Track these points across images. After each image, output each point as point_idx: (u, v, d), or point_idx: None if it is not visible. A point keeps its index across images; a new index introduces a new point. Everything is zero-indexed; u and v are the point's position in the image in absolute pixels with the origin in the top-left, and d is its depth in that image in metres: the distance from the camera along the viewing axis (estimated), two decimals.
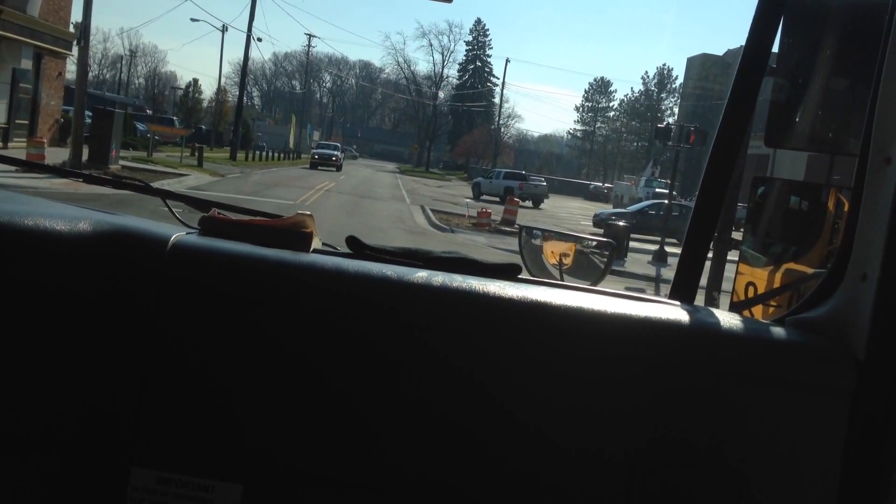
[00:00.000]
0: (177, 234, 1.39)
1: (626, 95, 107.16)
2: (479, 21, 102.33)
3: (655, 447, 1.32)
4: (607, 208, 48.04)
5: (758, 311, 1.67)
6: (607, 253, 1.72)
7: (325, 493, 1.33)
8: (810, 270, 1.63)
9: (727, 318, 1.42)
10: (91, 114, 24.33)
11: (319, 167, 51.53)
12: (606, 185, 74.67)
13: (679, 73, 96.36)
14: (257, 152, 50.72)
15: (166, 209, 1.63)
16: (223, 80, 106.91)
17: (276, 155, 56.28)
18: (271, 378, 1.32)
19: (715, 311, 1.49)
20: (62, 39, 27.69)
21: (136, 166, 25.24)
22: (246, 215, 1.62)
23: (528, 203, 41.67)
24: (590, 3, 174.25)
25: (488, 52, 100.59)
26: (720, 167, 1.68)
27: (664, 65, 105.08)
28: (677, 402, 1.32)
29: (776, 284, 1.66)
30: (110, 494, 1.29)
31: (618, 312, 1.36)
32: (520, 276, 1.55)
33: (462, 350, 1.33)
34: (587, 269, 1.70)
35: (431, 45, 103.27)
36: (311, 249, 1.49)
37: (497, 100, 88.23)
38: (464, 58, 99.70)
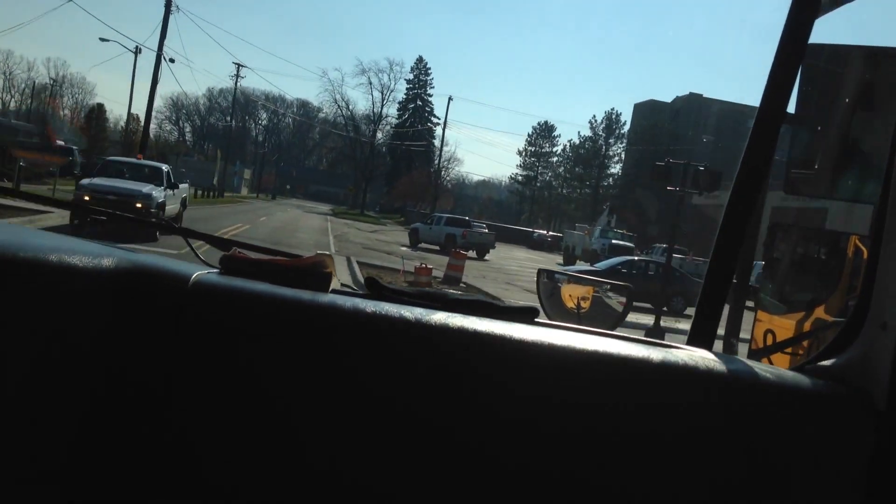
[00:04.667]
0: (198, 272, 1.46)
1: (569, 141, 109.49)
2: (420, 59, 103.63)
3: (673, 494, 1.38)
4: (560, 261, 47.58)
5: (777, 358, 1.75)
6: (624, 297, 1.80)
7: None
8: (830, 318, 1.72)
9: (746, 366, 1.49)
10: None
11: (97, 221, 16.96)
12: (550, 233, 75.38)
13: (627, 118, 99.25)
14: None
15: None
16: (154, 114, 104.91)
17: (197, 192, 55.00)
18: (292, 418, 1.37)
19: (734, 358, 1.56)
20: None
21: None
22: (266, 254, 1.68)
23: (472, 253, 38.71)
24: (534, 47, 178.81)
25: (430, 91, 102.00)
26: (738, 214, 1.77)
27: (613, 109, 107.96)
28: (696, 448, 1.39)
29: (795, 332, 1.75)
30: None
31: (636, 357, 1.42)
32: (537, 320, 1.60)
33: (479, 391, 1.38)
34: (605, 314, 1.76)
35: (371, 83, 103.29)
36: (330, 289, 1.55)
37: (437, 141, 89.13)
38: (404, 97, 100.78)
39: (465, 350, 1.39)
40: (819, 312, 1.76)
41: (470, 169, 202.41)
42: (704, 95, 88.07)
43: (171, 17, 41.80)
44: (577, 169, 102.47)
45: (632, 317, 17.86)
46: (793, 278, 1.86)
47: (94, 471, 1.35)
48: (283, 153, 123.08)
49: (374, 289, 1.57)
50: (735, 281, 1.78)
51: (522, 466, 1.37)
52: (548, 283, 1.80)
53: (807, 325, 1.74)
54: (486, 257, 41.75)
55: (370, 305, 1.43)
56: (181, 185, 25.08)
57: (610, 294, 1.81)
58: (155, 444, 1.36)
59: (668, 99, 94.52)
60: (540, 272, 1.77)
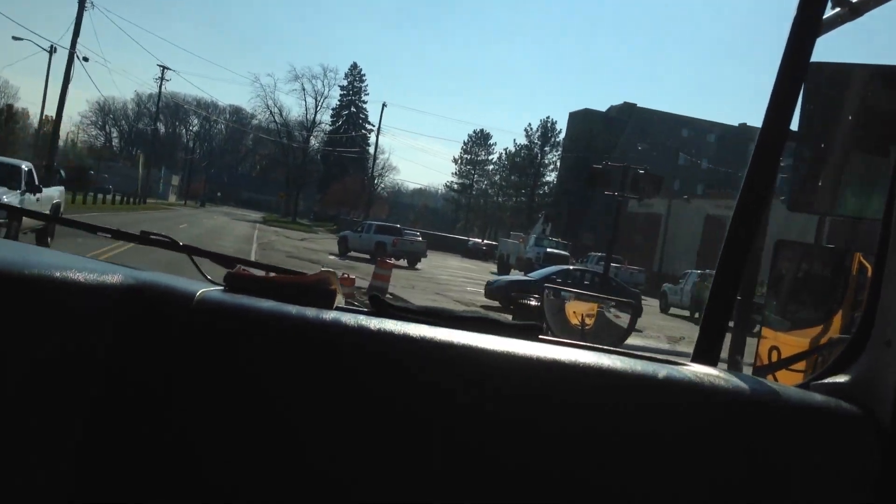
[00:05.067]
0: (202, 289, 1.48)
1: (505, 149, 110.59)
2: (355, 65, 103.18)
3: None
4: (494, 269, 47.26)
5: (782, 375, 1.77)
6: (629, 313, 1.79)
7: None
8: (834, 336, 1.74)
9: (751, 382, 1.50)
10: None
11: None
12: (486, 241, 75.66)
13: (562, 126, 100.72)
14: (97, 195, 48.04)
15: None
16: (79, 118, 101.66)
17: (117, 198, 54.00)
18: (296, 435, 1.38)
19: (738, 374, 1.57)
20: None
21: None
22: (270, 271, 1.71)
23: (403, 262, 38.36)
24: (470, 56, 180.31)
25: (364, 98, 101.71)
26: (742, 231, 1.78)
27: (548, 118, 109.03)
28: (700, 465, 1.40)
29: (799, 349, 1.76)
30: None
31: (640, 373, 1.43)
32: (541, 336, 1.60)
33: (483, 408, 1.38)
34: (610, 330, 1.76)
35: (304, 89, 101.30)
36: (335, 306, 1.55)
37: (371, 148, 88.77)
38: (338, 103, 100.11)
39: (469, 366, 1.40)
40: (824, 330, 1.79)
41: (406, 177, 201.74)
42: (638, 105, 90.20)
43: (87, 15, 40.49)
44: (512, 177, 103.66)
45: None
46: (797, 295, 1.89)
47: (94, 471, 1.38)
48: (216, 159, 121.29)
49: (378, 306, 1.58)
50: (739, 298, 1.80)
51: (524, 481, 1.37)
52: (554, 301, 1.79)
53: (812, 343, 1.76)
54: (418, 266, 40.57)
55: (374, 322, 1.45)
56: (51, 189, 20.16)
57: (614, 310, 1.80)
58: (153, 462, 1.38)
59: (603, 108, 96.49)
60: (546, 289, 1.75)
